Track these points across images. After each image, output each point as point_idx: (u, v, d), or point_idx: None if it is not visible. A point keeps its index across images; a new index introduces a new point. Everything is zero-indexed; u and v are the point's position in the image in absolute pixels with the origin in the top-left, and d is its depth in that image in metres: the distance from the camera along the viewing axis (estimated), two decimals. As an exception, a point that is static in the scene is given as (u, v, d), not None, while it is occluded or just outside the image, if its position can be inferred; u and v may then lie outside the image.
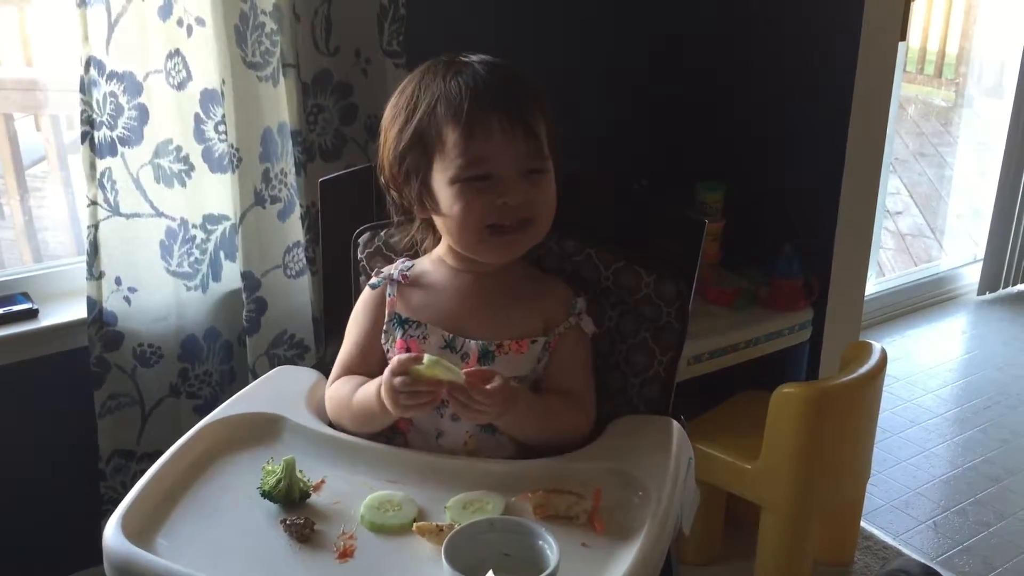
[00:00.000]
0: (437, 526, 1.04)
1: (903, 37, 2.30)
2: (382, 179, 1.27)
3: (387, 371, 1.14)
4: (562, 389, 1.26)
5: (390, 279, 1.29)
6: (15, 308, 1.81)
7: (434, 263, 1.30)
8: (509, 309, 1.26)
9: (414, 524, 1.05)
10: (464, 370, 1.13)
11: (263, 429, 1.22)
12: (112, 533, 1.00)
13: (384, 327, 1.27)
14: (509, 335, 1.23)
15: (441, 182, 1.19)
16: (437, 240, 1.31)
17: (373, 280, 1.30)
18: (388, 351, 1.27)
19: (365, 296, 1.31)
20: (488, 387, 1.12)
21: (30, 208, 2.50)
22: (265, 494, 1.08)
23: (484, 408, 1.12)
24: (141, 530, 1.02)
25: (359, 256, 1.39)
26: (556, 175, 1.23)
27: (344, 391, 1.25)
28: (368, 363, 1.29)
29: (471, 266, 1.27)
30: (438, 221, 1.24)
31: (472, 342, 1.23)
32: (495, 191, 1.17)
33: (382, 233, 1.37)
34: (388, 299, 1.28)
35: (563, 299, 1.28)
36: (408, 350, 1.24)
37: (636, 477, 1.12)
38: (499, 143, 1.16)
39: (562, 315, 1.27)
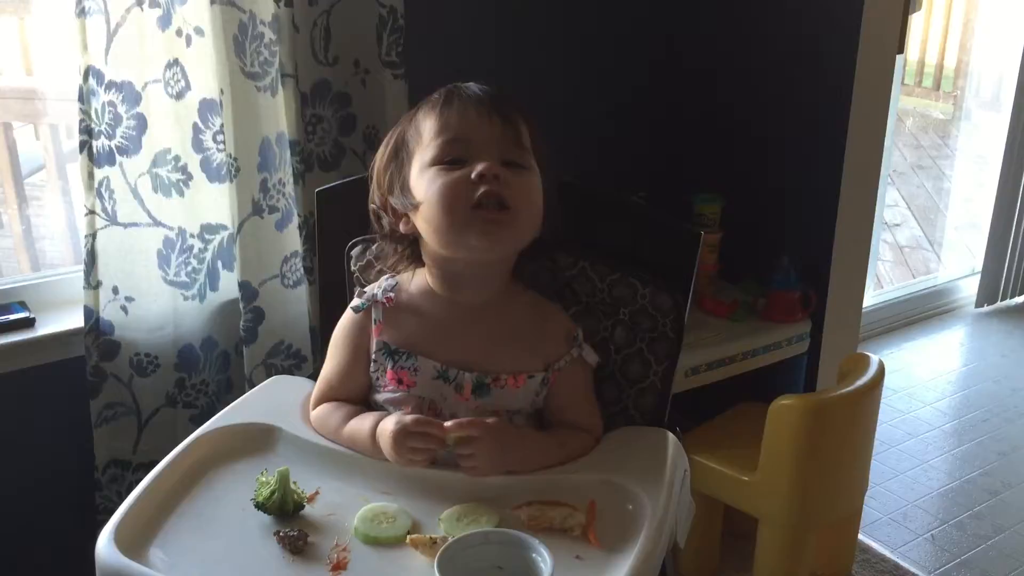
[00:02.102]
0: (431, 538, 1.03)
1: (901, 50, 2.31)
2: (372, 205, 1.27)
3: (398, 425, 1.12)
4: (567, 421, 1.24)
5: (374, 300, 1.25)
6: (12, 317, 1.80)
7: (421, 292, 1.25)
8: (504, 344, 1.23)
9: (408, 536, 1.05)
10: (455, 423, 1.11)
11: (257, 439, 1.21)
12: (104, 545, 0.99)
13: (373, 356, 1.24)
14: (504, 368, 1.21)
15: (417, 172, 1.18)
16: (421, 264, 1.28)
17: (356, 302, 1.27)
18: (377, 379, 1.25)
19: (348, 320, 1.28)
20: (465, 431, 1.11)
21: (28, 217, 2.50)
22: (259, 505, 1.07)
23: (474, 449, 1.11)
24: (134, 542, 1.02)
25: (352, 268, 1.38)
26: (546, 192, 1.22)
27: (332, 422, 1.23)
28: (350, 389, 1.27)
29: (457, 294, 1.23)
30: (420, 222, 1.19)
31: (466, 374, 1.20)
32: (470, 168, 1.15)
33: (374, 247, 1.36)
34: (375, 326, 1.25)
35: (563, 332, 1.25)
36: (400, 381, 1.22)
37: (631, 489, 1.12)
38: (475, 124, 1.16)
39: (562, 349, 1.24)
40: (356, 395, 1.27)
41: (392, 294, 1.25)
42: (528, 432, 1.21)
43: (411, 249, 1.27)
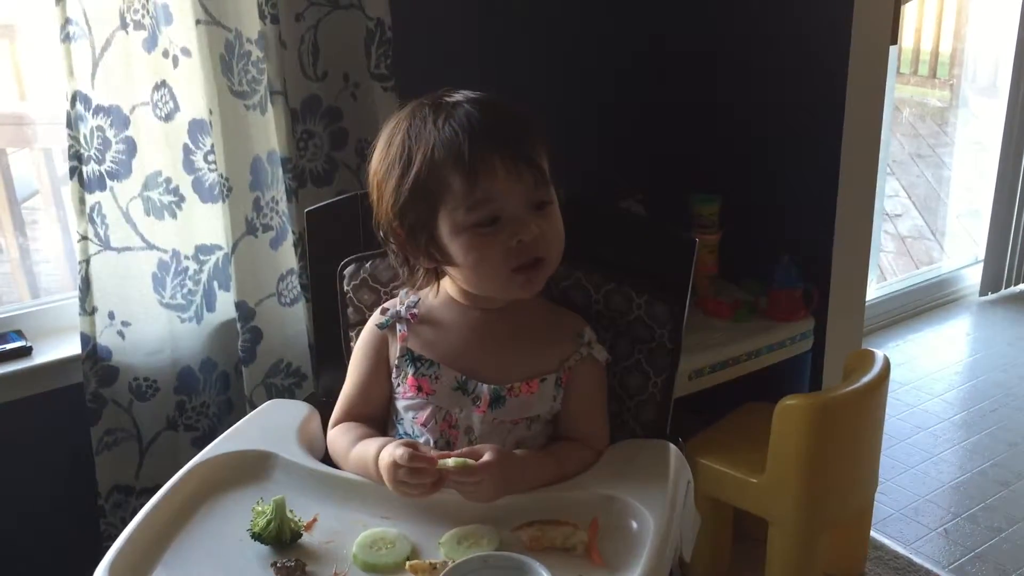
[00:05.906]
0: (431, 564, 1.02)
1: (894, 41, 2.29)
2: (380, 234, 1.23)
3: (391, 458, 1.10)
4: (575, 432, 1.24)
5: (398, 317, 1.26)
6: (8, 346, 1.79)
7: (442, 301, 1.26)
8: (520, 349, 1.23)
9: (407, 562, 1.03)
10: (452, 457, 1.10)
11: (254, 466, 1.20)
12: (101, 581, 0.98)
13: (395, 362, 1.25)
14: (520, 376, 1.21)
15: (448, 232, 1.15)
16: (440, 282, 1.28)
17: (381, 320, 1.27)
18: (398, 386, 1.25)
19: (368, 336, 1.29)
20: (477, 463, 1.09)
21: (25, 243, 2.49)
22: (256, 536, 1.06)
23: (479, 485, 1.10)
24: (131, 576, 1.01)
25: (345, 288, 1.37)
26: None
27: (343, 444, 1.23)
28: (370, 405, 1.27)
29: (481, 303, 1.24)
30: (451, 270, 1.21)
31: (484, 386, 1.21)
32: (507, 232, 1.14)
33: (367, 265, 1.35)
34: (399, 333, 1.25)
35: (572, 331, 1.26)
36: (420, 388, 1.22)
37: (633, 504, 1.10)
38: (504, 182, 1.13)
39: (571, 347, 1.24)
40: (377, 408, 1.27)
41: (416, 310, 1.27)
42: (527, 455, 1.19)
43: (431, 271, 1.25)
